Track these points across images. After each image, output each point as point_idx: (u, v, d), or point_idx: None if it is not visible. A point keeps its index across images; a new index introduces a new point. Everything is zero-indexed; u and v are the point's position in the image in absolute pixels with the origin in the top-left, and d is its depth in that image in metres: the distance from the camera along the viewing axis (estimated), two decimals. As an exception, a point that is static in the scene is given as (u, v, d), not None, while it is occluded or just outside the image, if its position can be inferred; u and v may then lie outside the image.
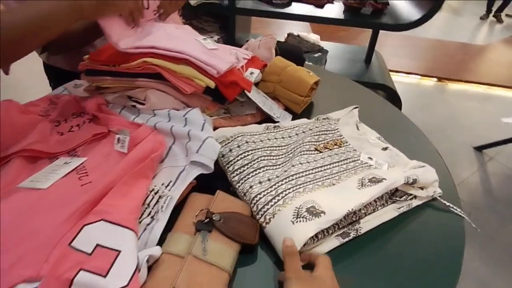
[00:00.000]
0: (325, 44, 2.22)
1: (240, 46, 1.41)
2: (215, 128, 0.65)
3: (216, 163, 0.55)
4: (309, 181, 0.53)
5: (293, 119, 0.77)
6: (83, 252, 0.38)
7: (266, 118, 0.74)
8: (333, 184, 0.53)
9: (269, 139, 0.62)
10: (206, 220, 0.44)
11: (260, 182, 0.52)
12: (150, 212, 0.48)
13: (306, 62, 0.95)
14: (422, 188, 0.56)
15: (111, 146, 0.58)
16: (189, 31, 0.74)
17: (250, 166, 0.55)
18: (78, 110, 0.67)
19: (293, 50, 0.89)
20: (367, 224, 0.50)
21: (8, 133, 0.53)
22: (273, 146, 0.61)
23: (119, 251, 0.38)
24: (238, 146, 0.58)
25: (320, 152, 0.60)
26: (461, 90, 2.81)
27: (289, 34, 2.13)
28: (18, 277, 0.37)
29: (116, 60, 0.66)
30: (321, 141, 0.63)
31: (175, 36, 0.67)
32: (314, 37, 2.18)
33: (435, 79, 2.92)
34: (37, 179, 0.51)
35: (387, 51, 3.01)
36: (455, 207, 0.56)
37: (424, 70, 3.01)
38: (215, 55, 0.67)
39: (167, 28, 0.69)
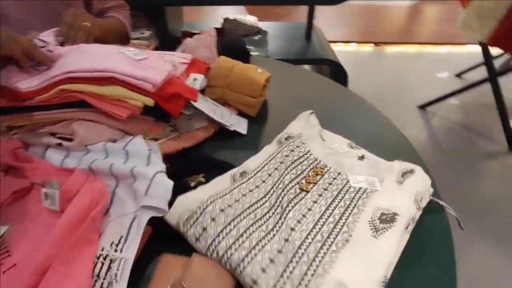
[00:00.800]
0: (263, 25, 2.14)
1: (176, 39, 1.27)
2: (165, 154, 0.56)
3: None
4: (321, 248, 0.44)
5: (249, 123, 0.70)
6: None
7: (220, 129, 0.66)
8: (347, 241, 0.45)
9: (244, 195, 0.51)
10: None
11: (263, 270, 0.40)
12: (102, 284, 0.39)
13: (247, 46, 0.87)
14: None
15: (38, 203, 0.46)
16: (109, 46, 0.62)
17: (240, 246, 0.42)
18: (-12, 161, 0.53)
19: (236, 45, 0.81)
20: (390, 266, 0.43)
21: None
22: (253, 204, 0.49)
23: None
24: (213, 220, 0.45)
25: (307, 191, 0.52)
26: (398, 52, 2.91)
27: (225, 19, 2.02)
28: None
29: (29, 93, 0.53)
30: (300, 175, 0.54)
31: (94, 53, 0.56)
32: (251, 19, 2.09)
33: (373, 45, 2.99)
34: None
35: (322, 23, 2.99)
36: (448, 207, 0.52)
37: (361, 37, 3.06)
38: (146, 65, 0.57)
39: (82, 47, 0.57)
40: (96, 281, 0.39)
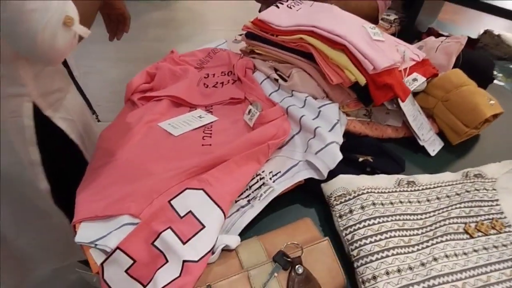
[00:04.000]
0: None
1: (418, 33, 1.18)
2: (347, 131, 0.59)
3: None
4: None
5: (445, 149, 0.63)
6: (177, 213, 0.41)
7: (410, 136, 0.63)
8: None
9: (401, 202, 0.49)
10: (288, 259, 0.39)
11: (387, 273, 0.41)
12: (249, 195, 0.48)
13: (496, 73, 0.74)
14: None
15: (241, 114, 0.59)
16: (357, 17, 0.65)
17: (376, 242, 0.43)
18: (227, 68, 0.70)
19: (480, 64, 0.71)
20: None
21: (163, 77, 0.59)
22: (406, 214, 0.48)
23: (204, 227, 0.40)
24: (362, 208, 0.46)
25: (472, 237, 0.47)
26: None
27: (486, 31, 1.72)
28: (125, 209, 0.42)
29: (276, 30, 0.64)
30: (472, 217, 0.49)
31: (340, 19, 0.61)
32: (519, 42, 1.72)
33: None
34: (173, 123, 0.56)
35: None
36: None
37: None
38: (378, 48, 0.58)
39: (334, 9, 0.63)
40: (246, 189, 0.49)
